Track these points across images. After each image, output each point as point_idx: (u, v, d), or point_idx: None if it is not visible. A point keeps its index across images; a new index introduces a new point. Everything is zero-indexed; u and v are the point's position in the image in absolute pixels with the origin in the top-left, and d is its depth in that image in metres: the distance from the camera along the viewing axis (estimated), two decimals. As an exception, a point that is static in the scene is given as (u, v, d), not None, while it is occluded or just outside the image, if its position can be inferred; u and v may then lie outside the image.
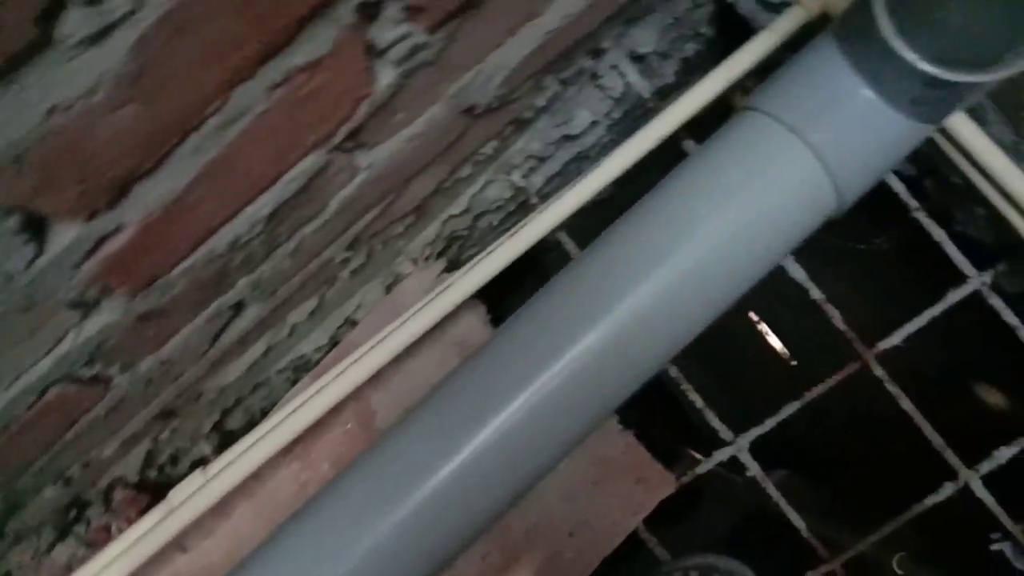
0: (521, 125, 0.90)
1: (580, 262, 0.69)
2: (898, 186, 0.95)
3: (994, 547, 0.94)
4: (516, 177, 0.99)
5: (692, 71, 1.04)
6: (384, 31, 0.51)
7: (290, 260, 0.68)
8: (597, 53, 0.88)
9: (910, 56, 0.57)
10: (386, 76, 0.55)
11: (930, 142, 0.82)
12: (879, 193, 0.95)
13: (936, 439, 0.92)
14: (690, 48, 1.08)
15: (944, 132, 0.81)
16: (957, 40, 0.55)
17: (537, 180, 1.08)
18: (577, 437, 0.66)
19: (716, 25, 1.03)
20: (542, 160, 1.05)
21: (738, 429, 0.94)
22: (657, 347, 0.65)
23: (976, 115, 0.81)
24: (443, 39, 0.56)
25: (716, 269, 0.66)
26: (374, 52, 0.51)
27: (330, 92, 0.51)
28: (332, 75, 0.50)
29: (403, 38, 0.52)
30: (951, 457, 0.92)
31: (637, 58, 0.97)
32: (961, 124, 0.80)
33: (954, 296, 0.94)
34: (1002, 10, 0.51)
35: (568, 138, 1.03)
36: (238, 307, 0.70)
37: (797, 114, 0.64)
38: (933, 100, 0.61)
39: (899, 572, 1.44)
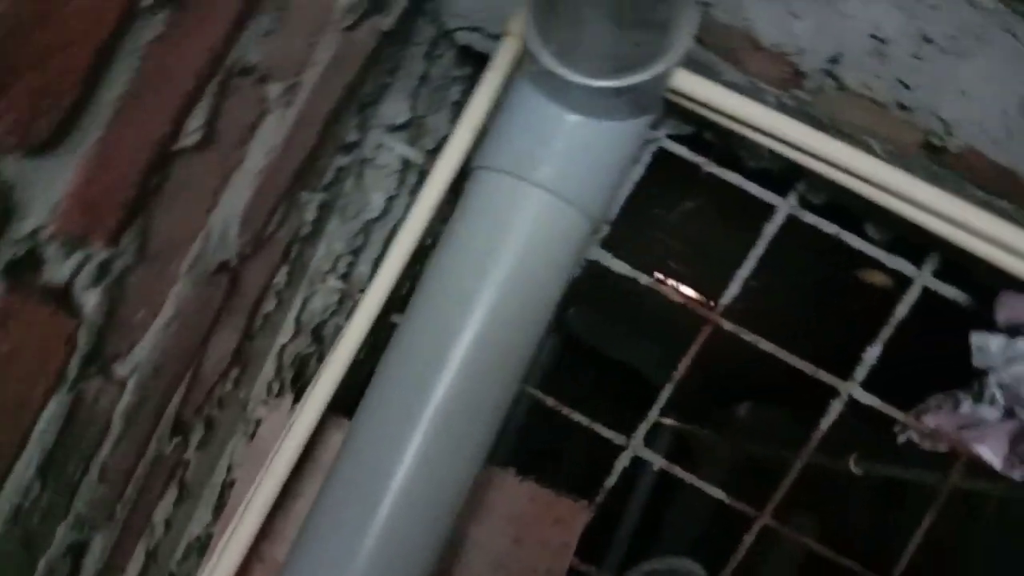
0: (306, 240, 0.89)
1: (388, 356, 0.70)
2: (680, 149, 0.97)
3: (900, 440, 0.97)
4: (334, 280, 0.99)
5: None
6: (57, 269, 0.50)
7: (104, 485, 0.67)
8: (348, 147, 0.88)
9: (578, 78, 0.58)
10: (90, 300, 0.54)
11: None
12: (666, 161, 0.97)
13: (807, 366, 0.94)
14: (455, 92, 1.09)
15: (683, 95, 0.83)
16: (606, 56, 0.56)
17: (363, 269, 1.08)
18: (450, 504, 0.67)
19: (468, 63, 1.04)
20: (357, 252, 1.04)
21: (628, 430, 0.95)
22: (487, 405, 0.67)
23: (707, 70, 0.83)
24: (134, 240, 0.55)
25: (506, 329, 0.66)
26: (56, 292, 0.50)
27: (29, 348, 0.50)
28: (22, 333, 0.48)
29: (83, 263, 0.51)
30: (826, 376, 0.94)
31: (400, 127, 0.98)
32: (695, 83, 0.82)
33: (771, 228, 0.97)
34: (622, 32, 0.52)
35: (375, 220, 1.03)
36: (76, 548, 0.68)
37: (516, 159, 0.65)
38: (626, 101, 0.63)
39: (857, 471, 1.47)
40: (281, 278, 0.86)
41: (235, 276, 0.74)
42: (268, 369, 0.94)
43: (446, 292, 0.67)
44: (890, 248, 0.96)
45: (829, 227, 0.96)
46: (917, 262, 0.95)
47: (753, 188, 0.97)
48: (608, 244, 0.99)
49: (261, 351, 0.91)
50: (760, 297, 0.97)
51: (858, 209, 0.93)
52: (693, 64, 0.83)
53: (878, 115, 0.77)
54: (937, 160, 0.78)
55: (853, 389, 0.93)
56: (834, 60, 0.74)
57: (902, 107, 0.74)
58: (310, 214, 0.85)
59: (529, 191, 0.65)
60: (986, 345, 0.84)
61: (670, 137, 0.99)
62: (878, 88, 0.74)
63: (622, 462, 0.94)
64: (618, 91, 0.57)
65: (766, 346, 0.94)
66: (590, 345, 2.51)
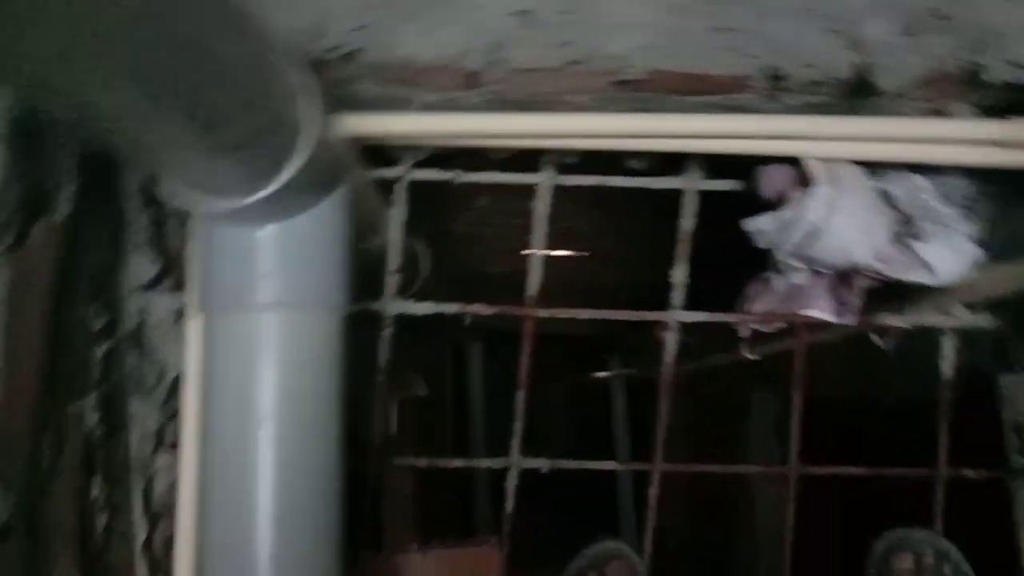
0: (108, 441, 0.85)
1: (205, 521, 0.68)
2: (429, 174, 0.96)
3: (744, 334, 1.00)
4: (165, 454, 0.95)
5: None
6: None
7: None
8: (106, 330, 0.84)
9: (224, 205, 0.57)
10: None
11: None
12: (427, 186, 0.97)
13: (630, 314, 0.96)
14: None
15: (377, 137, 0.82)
16: (238, 177, 0.54)
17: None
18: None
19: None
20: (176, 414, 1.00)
21: (501, 453, 0.95)
22: (318, 523, 0.66)
23: (400, 102, 0.82)
24: None
25: (302, 445, 0.65)
26: None
27: None
28: None
29: None
30: (652, 315, 0.96)
31: (155, 280, 0.94)
32: (382, 122, 0.81)
33: (542, 206, 0.98)
34: (239, 155, 0.50)
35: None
36: None
37: (232, 293, 0.64)
38: (294, 196, 0.61)
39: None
40: (98, 491, 0.82)
41: (31, 528, 0.70)
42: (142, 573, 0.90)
43: (227, 446, 0.65)
44: (654, 173, 0.98)
45: (590, 180, 0.98)
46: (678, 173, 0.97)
47: (508, 177, 0.98)
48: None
49: (120, 563, 0.87)
50: (565, 270, 0.98)
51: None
52: (385, 102, 0.83)
53: (562, 76, 0.77)
54: (630, 89, 0.79)
55: (677, 315, 0.95)
56: (494, 48, 0.75)
57: (575, 62, 0.75)
58: (91, 418, 0.81)
59: (257, 317, 0.63)
60: (759, 227, 0.87)
61: (417, 167, 0.98)
62: (547, 55, 0.75)
63: (512, 481, 0.94)
64: (268, 199, 0.56)
65: (585, 314, 0.95)
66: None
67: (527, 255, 0.99)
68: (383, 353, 0.94)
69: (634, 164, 1.00)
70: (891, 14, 0.70)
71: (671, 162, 0.98)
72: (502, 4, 0.73)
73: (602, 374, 3.43)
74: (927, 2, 0.70)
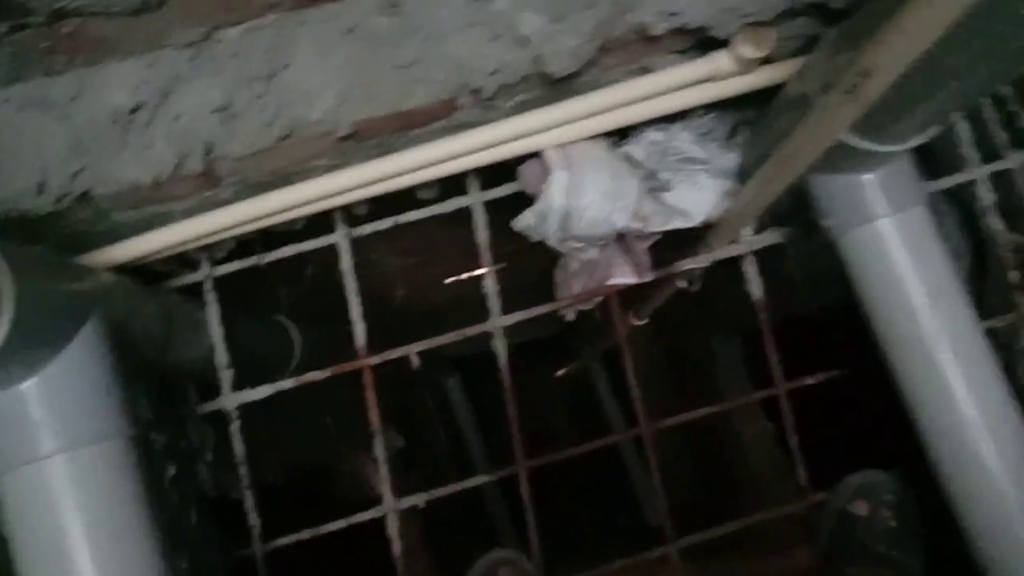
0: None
1: None
2: (232, 266, 1.01)
3: (570, 318, 1.04)
4: None
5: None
6: None
7: None
8: None
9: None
10: None
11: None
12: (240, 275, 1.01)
13: (445, 338, 1.00)
14: None
15: (140, 259, 0.87)
16: None
17: None
18: None
19: None
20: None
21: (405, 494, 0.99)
22: None
23: (162, 218, 0.87)
24: None
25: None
26: None
27: None
28: None
29: None
30: (472, 330, 1.00)
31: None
32: (139, 245, 0.86)
33: (347, 262, 1.02)
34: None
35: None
36: None
37: (15, 449, 0.67)
38: (27, 351, 0.65)
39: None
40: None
41: None
42: None
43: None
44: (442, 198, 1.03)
45: (385, 223, 1.03)
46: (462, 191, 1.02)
47: (308, 244, 1.02)
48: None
49: None
50: (392, 313, 1.02)
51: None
52: (150, 221, 0.87)
53: (281, 151, 0.82)
54: (355, 141, 0.84)
55: (498, 322, 1.00)
56: (209, 148, 0.79)
57: (285, 137, 0.80)
58: None
59: (42, 467, 0.67)
60: (525, 223, 0.92)
61: (218, 264, 1.03)
62: (259, 138, 0.80)
63: (392, 527, 0.98)
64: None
65: (420, 346, 1.00)
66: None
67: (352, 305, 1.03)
68: (237, 445, 0.97)
69: (423, 195, 1.04)
70: (538, 7, 0.75)
71: (456, 182, 1.02)
72: (200, 106, 0.77)
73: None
74: (565, -11, 0.74)
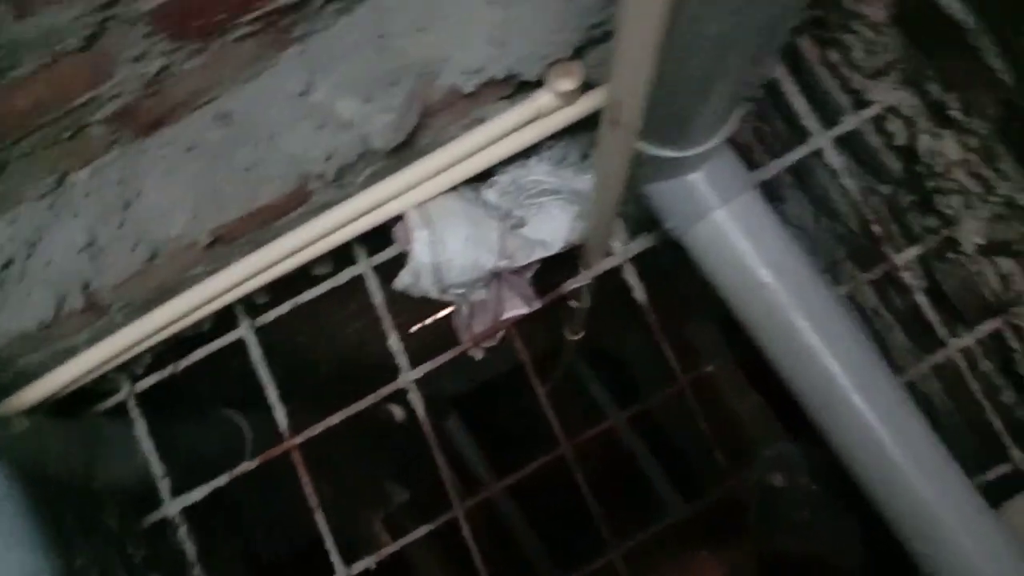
0: None
1: None
2: (150, 380, 1.06)
3: (478, 358, 1.09)
4: None
5: None
6: None
7: None
8: None
9: None
10: None
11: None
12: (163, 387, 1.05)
13: (367, 400, 1.05)
14: None
15: (62, 389, 0.92)
16: None
17: None
18: None
19: None
20: None
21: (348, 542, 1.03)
22: None
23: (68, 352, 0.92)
24: None
25: None
26: None
27: None
28: None
29: None
30: (387, 388, 1.05)
31: None
32: (54, 381, 0.91)
33: (256, 353, 1.07)
34: None
35: None
36: None
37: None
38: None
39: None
40: None
41: None
42: None
43: None
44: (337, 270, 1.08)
45: (284, 308, 1.08)
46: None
47: (217, 343, 1.07)
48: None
49: None
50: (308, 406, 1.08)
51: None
52: (61, 355, 0.92)
53: (154, 271, 0.87)
54: (222, 245, 0.89)
55: (407, 376, 1.04)
56: (85, 285, 0.84)
57: (152, 257, 0.85)
58: None
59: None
60: (404, 283, 0.97)
61: (138, 380, 1.08)
62: (129, 263, 0.85)
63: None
64: None
65: (338, 416, 1.05)
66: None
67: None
68: (189, 548, 1.02)
69: (318, 271, 1.10)
70: (350, 92, 0.80)
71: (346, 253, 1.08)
72: (67, 248, 0.83)
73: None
74: (371, 73, 0.80)
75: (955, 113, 0.92)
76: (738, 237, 0.84)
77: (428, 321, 1.79)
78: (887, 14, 0.96)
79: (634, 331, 2.43)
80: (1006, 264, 1.01)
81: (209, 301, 0.95)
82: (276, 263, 0.94)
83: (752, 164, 1.37)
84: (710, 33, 0.57)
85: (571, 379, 2.93)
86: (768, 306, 0.84)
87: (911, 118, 1.00)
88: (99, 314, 0.90)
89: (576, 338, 1.58)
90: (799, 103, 1.06)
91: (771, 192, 1.40)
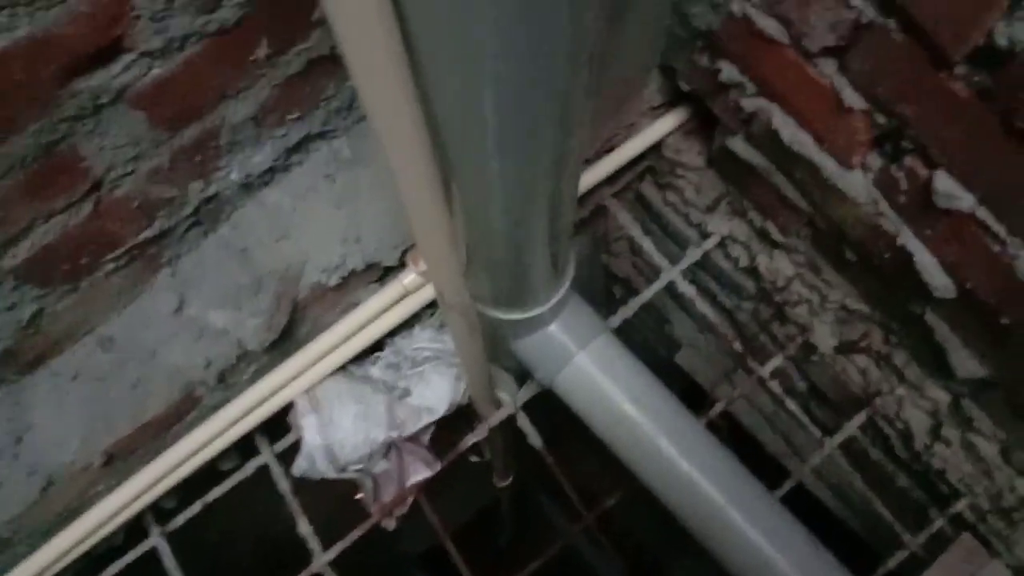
0: None
1: None
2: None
3: (390, 527, 1.11)
4: None
5: None
6: None
7: None
8: None
9: None
10: None
11: None
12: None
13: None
14: None
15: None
16: None
17: None
18: None
19: None
20: None
21: None
22: None
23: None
24: None
25: None
26: None
27: None
28: None
29: None
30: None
31: None
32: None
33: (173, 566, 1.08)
34: None
35: None
36: None
37: None
38: None
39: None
40: None
41: None
42: None
43: None
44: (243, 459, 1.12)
45: (196, 507, 1.10)
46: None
47: (127, 559, 1.08)
48: None
49: None
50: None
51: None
52: None
53: (50, 501, 0.90)
54: (118, 460, 0.92)
55: (324, 557, 1.06)
56: (47, 485, 0.86)
57: (46, 487, 0.88)
58: None
59: None
60: (301, 469, 1.01)
61: None
62: (27, 495, 0.87)
63: None
64: None
65: None
66: None
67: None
68: None
69: (224, 465, 1.13)
70: (219, 304, 0.87)
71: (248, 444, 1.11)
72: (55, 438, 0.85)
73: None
74: (237, 282, 0.88)
75: (777, 236, 1.03)
76: (600, 377, 0.91)
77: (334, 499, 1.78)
78: (703, 160, 1.08)
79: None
80: (861, 360, 1.10)
81: (113, 516, 0.97)
82: (175, 468, 0.97)
83: (632, 291, 1.48)
84: (500, 227, 0.65)
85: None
86: (634, 435, 0.90)
87: (746, 243, 1.11)
88: (3, 547, 0.91)
89: (506, 484, 1.61)
90: (647, 244, 1.17)
91: (657, 315, 1.49)
